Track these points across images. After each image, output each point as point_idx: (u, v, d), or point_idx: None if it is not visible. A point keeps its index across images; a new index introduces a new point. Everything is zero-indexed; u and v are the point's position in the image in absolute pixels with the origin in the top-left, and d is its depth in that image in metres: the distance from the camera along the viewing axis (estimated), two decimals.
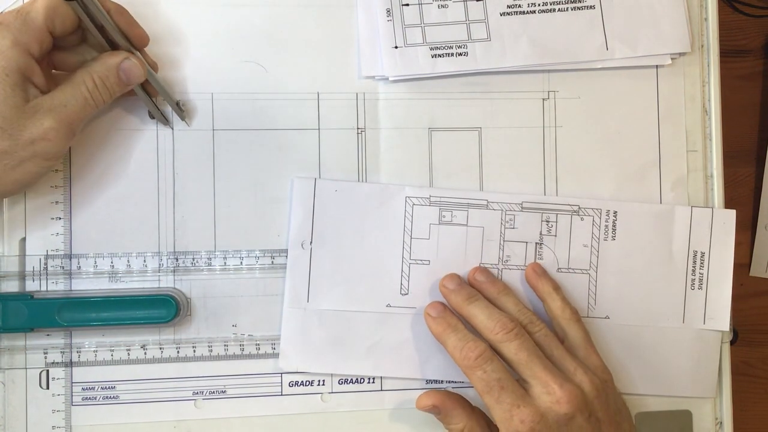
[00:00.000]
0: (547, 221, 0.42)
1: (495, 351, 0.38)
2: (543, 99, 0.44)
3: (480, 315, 0.39)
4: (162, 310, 0.40)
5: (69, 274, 0.40)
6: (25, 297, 0.39)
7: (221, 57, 0.42)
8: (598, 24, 0.43)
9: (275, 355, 0.41)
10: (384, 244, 0.42)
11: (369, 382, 0.42)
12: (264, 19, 0.42)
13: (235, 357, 0.41)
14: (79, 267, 0.40)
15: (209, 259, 0.41)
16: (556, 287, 0.41)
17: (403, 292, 0.42)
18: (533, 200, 0.42)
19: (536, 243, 0.42)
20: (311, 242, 0.41)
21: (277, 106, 0.42)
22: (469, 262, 0.42)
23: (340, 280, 0.41)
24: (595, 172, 0.44)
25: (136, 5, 0.41)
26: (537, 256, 0.42)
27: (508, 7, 0.43)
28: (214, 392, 0.41)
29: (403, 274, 0.42)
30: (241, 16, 0.42)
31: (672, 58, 0.44)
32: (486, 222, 0.42)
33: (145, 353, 0.41)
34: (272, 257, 0.41)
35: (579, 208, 0.42)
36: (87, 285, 0.41)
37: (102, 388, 0.41)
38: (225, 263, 0.41)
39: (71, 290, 0.40)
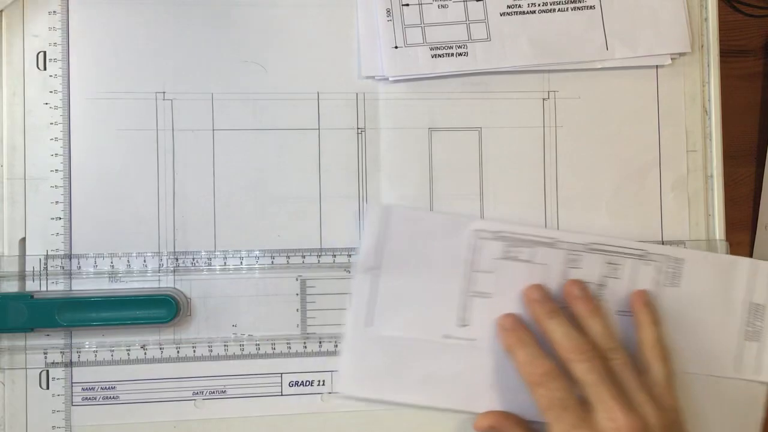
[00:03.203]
0: (612, 263, 0.42)
1: (566, 370, 0.37)
2: (543, 99, 0.44)
3: (557, 332, 0.38)
4: (162, 310, 0.40)
5: (69, 274, 0.40)
6: (25, 297, 0.39)
7: (221, 57, 0.42)
8: (598, 24, 0.43)
9: (275, 355, 0.41)
10: (447, 274, 0.41)
11: None
12: (264, 19, 0.42)
13: (235, 357, 0.41)
14: (79, 267, 0.40)
15: (209, 259, 0.41)
16: (656, 320, 0.40)
17: (462, 323, 0.41)
18: (601, 242, 0.42)
19: (598, 284, 0.42)
20: (377, 268, 0.41)
21: (277, 106, 0.42)
22: None
23: (401, 308, 0.41)
24: (595, 172, 0.44)
25: (136, 6, 0.41)
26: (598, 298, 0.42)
27: (508, 7, 0.43)
28: (214, 392, 0.41)
29: (464, 305, 0.41)
30: (241, 16, 0.42)
31: (672, 58, 0.44)
32: (551, 260, 0.41)
33: (145, 353, 0.41)
34: (272, 257, 0.41)
35: (645, 252, 0.42)
36: (87, 285, 0.41)
37: (102, 388, 0.41)
38: (225, 263, 0.41)
39: (71, 290, 0.40)
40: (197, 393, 0.41)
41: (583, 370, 0.36)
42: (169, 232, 0.41)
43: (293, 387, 0.42)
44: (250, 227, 0.42)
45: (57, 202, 0.41)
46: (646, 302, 0.41)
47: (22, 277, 0.40)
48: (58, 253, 0.40)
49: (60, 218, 0.41)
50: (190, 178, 0.41)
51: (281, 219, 0.42)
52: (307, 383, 0.42)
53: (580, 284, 0.41)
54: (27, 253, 0.40)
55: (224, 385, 0.41)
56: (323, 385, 0.42)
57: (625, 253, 0.42)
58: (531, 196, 0.43)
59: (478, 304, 0.41)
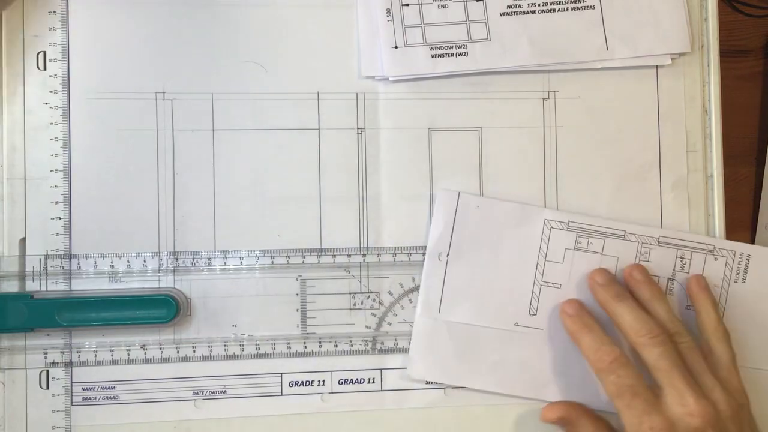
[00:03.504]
0: (682, 258, 0.42)
1: (635, 354, 0.37)
2: (543, 99, 0.44)
3: (627, 315, 0.38)
4: (162, 310, 0.40)
5: (69, 274, 0.40)
6: (25, 297, 0.39)
7: (221, 57, 0.42)
8: (598, 24, 0.43)
9: (275, 355, 0.41)
10: (518, 263, 0.42)
11: (369, 382, 0.42)
12: (264, 19, 0.42)
13: (235, 357, 0.41)
14: (79, 267, 0.40)
15: (209, 259, 0.41)
16: (715, 304, 0.41)
17: (531, 312, 0.42)
18: (670, 236, 0.42)
19: (668, 278, 0.42)
20: (448, 254, 0.41)
21: (277, 106, 0.42)
22: None
23: (471, 294, 0.41)
24: (595, 172, 0.44)
25: (136, 6, 0.41)
26: (667, 292, 0.42)
27: (508, 7, 0.43)
28: (214, 392, 0.41)
29: (534, 294, 0.42)
30: (241, 16, 0.42)
31: (672, 58, 0.44)
32: (621, 252, 0.42)
33: (145, 353, 0.41)
34: (272, 257, 0.41)
35: (714, 248, 0.42)
36: (87, 285, 0.41)
37: (102, 388, 0.41)
38: (225, 263, 0.41)
39: (71, 290, 0.40)
40: (197, 393, 0.41)
41: (655, 355, 0.37)
42: (169, 232, 0.41)
43: (293, 387, 0.42)
44: (250, 227, 0.42)
45: (57, 202, 0.41)
46: (704, 287, 0.41)
47: (22, 277, 0.40)
48: (58, 253, 0.40)
49: (60, 218, 0.41)
50: (190, 178, 0.41)
51: (281, 219, 0.42)
52: (307, 383, 0.42)
53: (641, 268, 0.41)
54: (27, 253, 0.40)
55: (224, 385, 0.41)
56: (323, 385, 0.42)
57: (694, 248, 0.42)
58: (531, 196, 0.43)
59: (547, 293, 0.42)
